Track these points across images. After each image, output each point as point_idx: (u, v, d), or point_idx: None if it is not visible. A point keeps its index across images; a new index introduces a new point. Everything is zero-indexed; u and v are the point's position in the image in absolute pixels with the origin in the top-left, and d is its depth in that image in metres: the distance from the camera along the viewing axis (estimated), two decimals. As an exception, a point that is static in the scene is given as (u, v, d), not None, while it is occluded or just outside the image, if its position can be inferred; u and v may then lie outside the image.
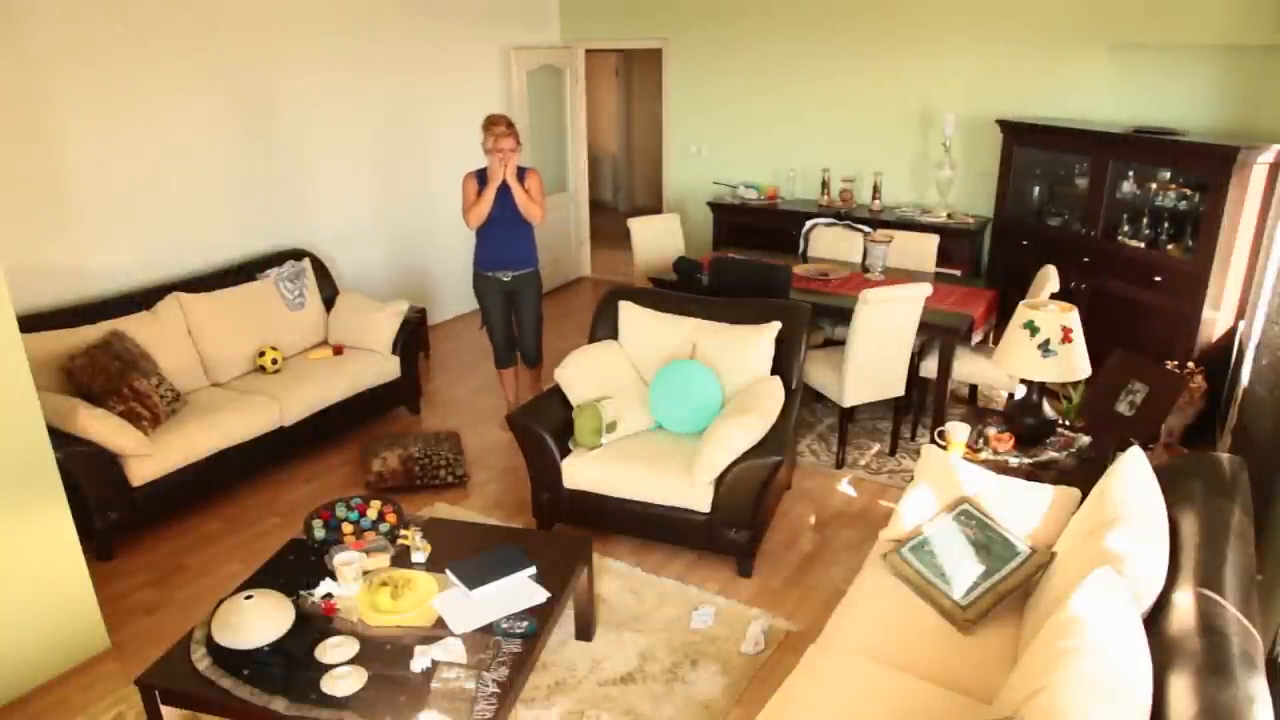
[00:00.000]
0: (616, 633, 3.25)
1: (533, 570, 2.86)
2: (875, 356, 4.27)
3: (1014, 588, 2.52)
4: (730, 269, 4.72)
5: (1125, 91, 5.35)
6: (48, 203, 4.24)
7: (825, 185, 6.51)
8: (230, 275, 4.81)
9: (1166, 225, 4.71)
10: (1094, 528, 2.28)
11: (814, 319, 4.89)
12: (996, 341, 4.62)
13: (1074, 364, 3.19)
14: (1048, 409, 3.44)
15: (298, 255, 5.16)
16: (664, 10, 7.06)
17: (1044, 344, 3.19)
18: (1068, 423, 3.54)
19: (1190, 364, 4.26)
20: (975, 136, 5.94)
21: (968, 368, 4.57)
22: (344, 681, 2.38)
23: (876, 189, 6.22)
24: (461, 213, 4.79)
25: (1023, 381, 3.59)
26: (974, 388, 5.25)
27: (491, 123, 4.46)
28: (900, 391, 4.47)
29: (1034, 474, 3.22)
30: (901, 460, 4.62)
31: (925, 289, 4.17)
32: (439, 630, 2.61)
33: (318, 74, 5.52)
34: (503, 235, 4.61)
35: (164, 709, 2.44)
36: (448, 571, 2.84)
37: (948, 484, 2.90)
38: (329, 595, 2.75)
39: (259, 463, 4.32)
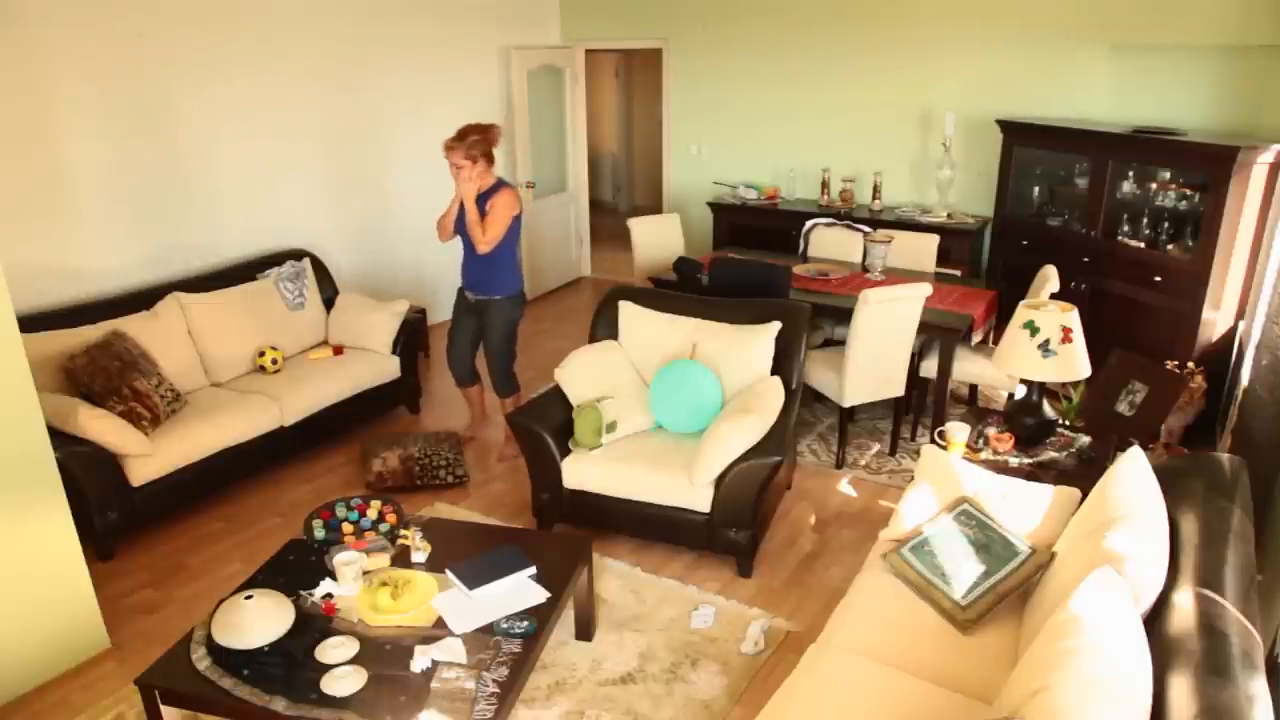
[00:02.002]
0: (616, 633, 3.25)
1: (533, 570, 2.86)
2: (875, 356, 4.27)
3: (1014, 588, 2.52)
4: (730, 269, 4.71)
5: (1125, 91, 5.35)
6: (48, 203, 4.24)
7: (825, 185, 6.51)
8: (230, 275, 4.81)
9: (1166, 225, 4.71)
10: (1094, 528, 2.28)
11: (814, 319, 4.89)
12: (996, 341, 4.62)
13: (1074, 364, 3.19)
14: (1048, 409, 3.43)
15: (298, 255, 5.16)
16: (664, 10, 7.06)
17: (1044, 344, 3.19)
18: (1068, 423, 3.54)
19: (1190, 364, 4.26)
20: (975, 136, 5.94)
21: (968, 368, 4.57)
22: (344, 681, 2.38)
23: (876, 189, 6.22)
24: None
25: (1023, 381, 3.59)
26: (974, 388, 5.25)
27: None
28: (900, 391, 4.47)
29: (1034, 474, 3.22)
30: (901, 460, 4.62)
31: (925, 289, 4.17)
32: (439, 630, 2.61)
33: (318, 73, 5.52)
34: (466, 254, 4.37)
35: (164, 709, 2.44)
36: (448, 571, 2.84)
37: (948, 484, 2.90)
38: (329, 595, 2.75)
39: (259, 463, 4.32)
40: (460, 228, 4.30)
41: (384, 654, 2.51)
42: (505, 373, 4.56)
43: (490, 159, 4.21)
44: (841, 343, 4.85)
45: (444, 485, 4.36)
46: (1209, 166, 4.33)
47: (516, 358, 4.61)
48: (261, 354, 4.60)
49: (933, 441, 3.74)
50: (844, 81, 6.42)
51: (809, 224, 5.70)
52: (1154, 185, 4.76)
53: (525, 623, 2.62)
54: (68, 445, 3.45)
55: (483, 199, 4.23)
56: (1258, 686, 1.66)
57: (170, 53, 4.66)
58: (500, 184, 4.27)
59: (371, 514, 3.19)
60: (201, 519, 4.10)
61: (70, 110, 4.25)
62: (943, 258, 5.51)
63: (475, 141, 4.11)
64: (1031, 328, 3.22)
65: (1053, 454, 3.35)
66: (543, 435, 3.69)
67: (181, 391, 4.26)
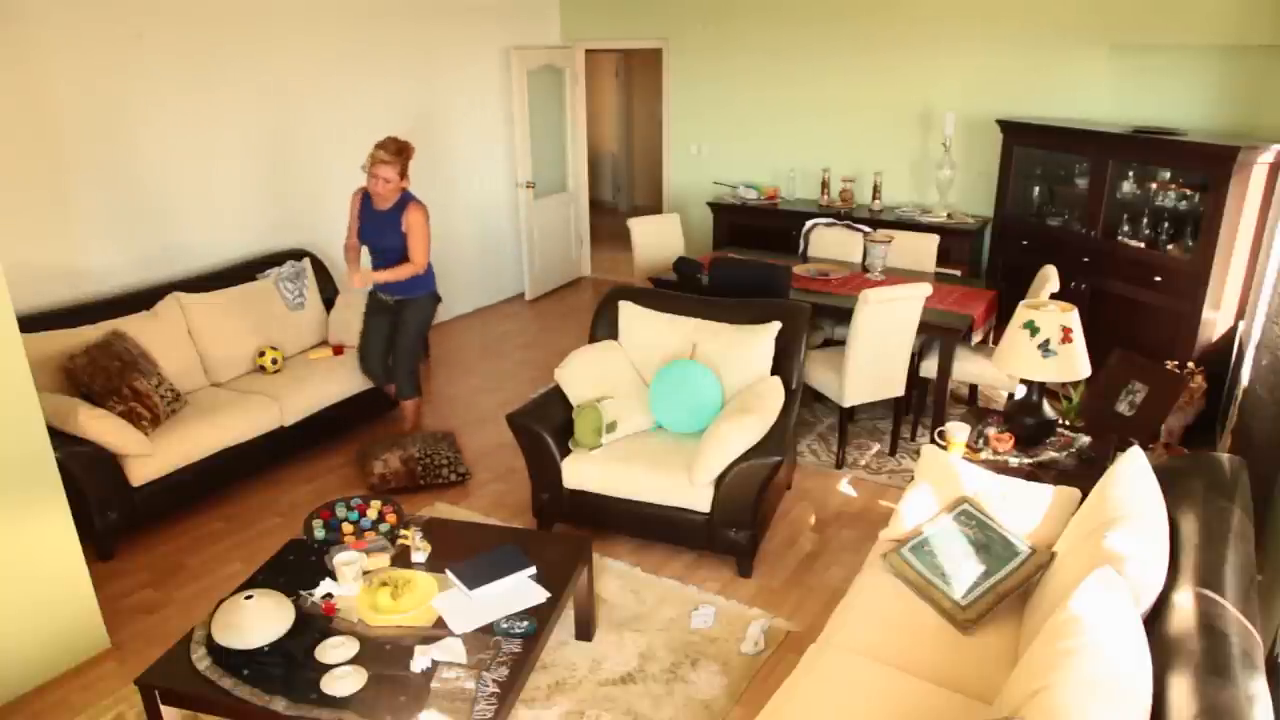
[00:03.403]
0: (616, 633, 3.25)
1: (533, 570, 2.86)
2: (875, 356, 4.27)
3: (1014, 588, 2.52)
4: (730, 269, 4.71)
5: (1125, 91, 5.35)
6: (48, 203, 4.24)
7: (825, 185, 6.51)
8: (230, 275, 4.81)
9: (1166, 225, 4.71)
10: (1094, 528, 2.28)
11: (814, 319, 4.89)
12: (996, 341, 4.62)
13: (1074, 364, 3.19)
14: (1048, 409, 3.43)
15: (298, 255, 5.16)
16: (664, 10, 7.06)
17: (1044, 344, 3.19)
18: (1068, 423, 3.54)
19: (1190, 364, 4.26)
20: (975, 136, 5.94)
21: (968, 368, 4.57)
22: (344, 681, 2.38)
23: (876, 189, 6.22)
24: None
25: (1023, 381, 3.59)
26: (974, 388, 5.25)
27: (378, 145, 4.17)
28: (900, 391, 4.47)
29: (1034, 474, 3.22)
30: (901, 460, 4.62)
31: (925, 289, 4.17)
32: (439, 630, 2.61)
33: (320, 75, 5.52)
34: (375, 261, 4.44)
35: (164, 709, 2.44)
36: (448, 571, 2.84)
37: (948, 484, 2.90)
38: (329, 595, 2.75)
39: (259, 463, 4.33)
40: (365, 237, 4.38)
41: (384, 654, 2.51)
42: (410, 373, 4.61)
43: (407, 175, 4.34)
44: (841, 343, 4.85)
45: (447, 484, 4.36)
46: (1209, 166, 4.33)
47: (424, 359, 4.64)
48: (261, 354, 4.60)
49: (933, 441, 3.74)
50: (844, 81, 6.42)
51: (809, 224, 5.70)
52: (1154, 185, 4.76)
53: (525, 623, 2.62)
54: (68, 445, 3.46)
55: (394, 213, 4.30)
56: (1258, 686, 1.66)
57: (170, 53, 4.66)
58: (407, 198, 4.33)
59: (371, 514, 3.19)
60: (201, 519, 4.10)
61: (70, 110, 4.25)
62: (943, 258, 5.51)
63: (405, 159, 4.25)
64: (1031, 328, 3.22)
65: (1053, 454, 3.35)
66: (543, 435, 3.69)
67: (181, 391, 4.26)
